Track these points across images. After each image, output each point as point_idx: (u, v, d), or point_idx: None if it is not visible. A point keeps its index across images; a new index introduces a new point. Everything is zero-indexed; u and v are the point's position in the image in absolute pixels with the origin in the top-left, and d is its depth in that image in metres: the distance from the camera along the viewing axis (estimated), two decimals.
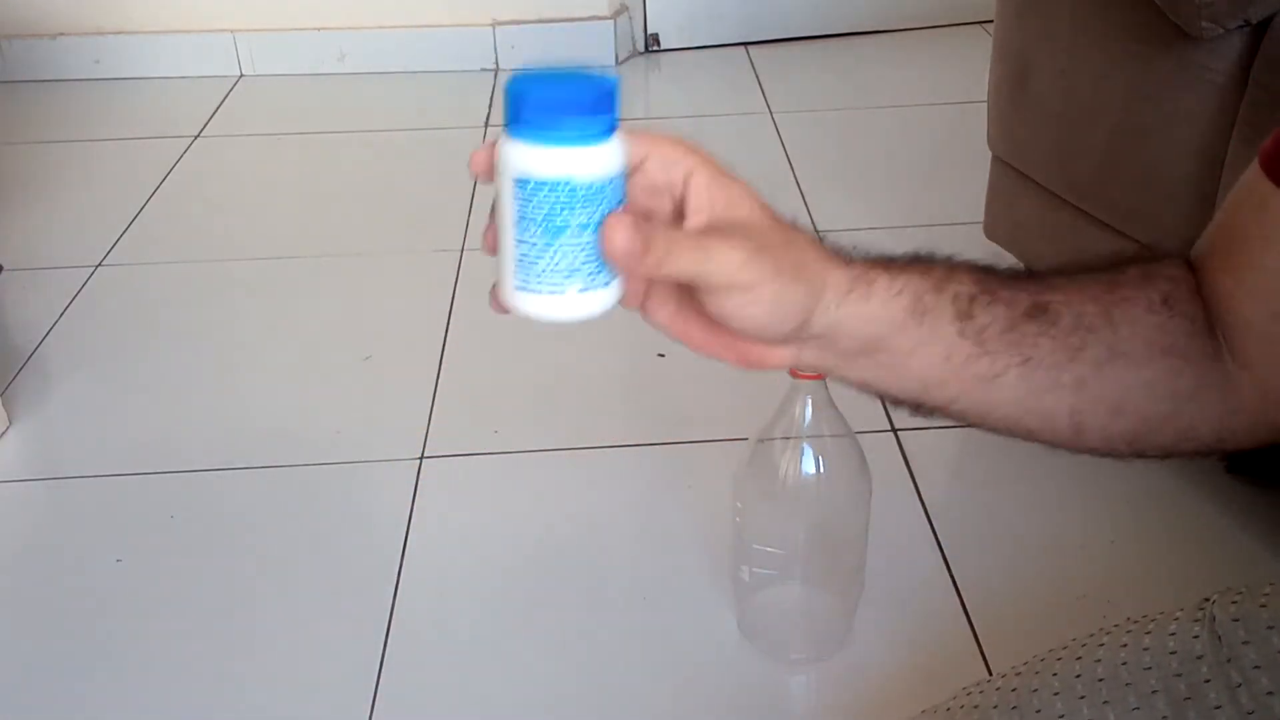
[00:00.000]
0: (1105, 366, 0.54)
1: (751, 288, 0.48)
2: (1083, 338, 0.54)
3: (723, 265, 0.47)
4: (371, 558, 1.21)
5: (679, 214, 0.50)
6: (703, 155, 0.50)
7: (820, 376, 0.95)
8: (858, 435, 1.00)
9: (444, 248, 1.77)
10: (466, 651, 1.10)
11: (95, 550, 1.24)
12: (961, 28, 2.62)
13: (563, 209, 0.46)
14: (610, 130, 0.46)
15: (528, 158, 0.45)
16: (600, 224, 0.46)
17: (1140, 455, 0.58)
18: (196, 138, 2.25)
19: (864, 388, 0.55)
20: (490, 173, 0.47)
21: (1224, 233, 0.57)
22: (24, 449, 1.41)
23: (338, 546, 1.23)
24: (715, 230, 0.48)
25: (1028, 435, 0.57)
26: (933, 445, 1.35)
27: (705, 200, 0.49)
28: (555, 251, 0.46)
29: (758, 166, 1.99)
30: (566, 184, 0.45)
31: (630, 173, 0.48)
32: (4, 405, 1.43)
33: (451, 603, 1.16)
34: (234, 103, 2.43)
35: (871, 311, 0.52)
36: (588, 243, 0.46)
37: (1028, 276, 0.55)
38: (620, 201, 0.47)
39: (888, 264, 0.52)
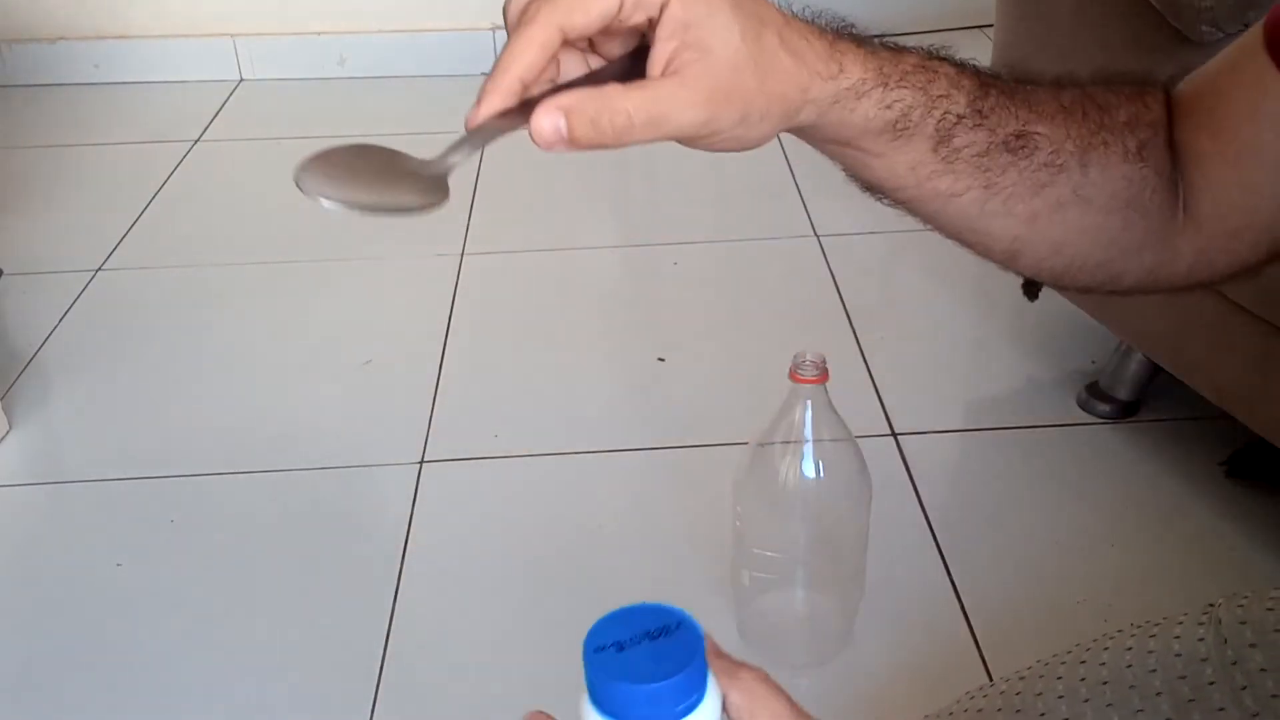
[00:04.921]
0: (1063, 208, 0.55)
1: (715, 134, 0.46)
2: (1051, 175, 0.54)
3: (679, 123, 0.45)
4: (372, 562, 1.21)
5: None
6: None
7: (821, 381, 0.95)
8: (858, 439, 1.00)
9: (444, 252, 1.77)
10: (466, 655, 1.10)
11: (95, 554, 1.24)
12: (961, 32, 2.62)
13: None
14: (700, 698, 0.41)
15: None
16: None
17: (1054, 285, 0.58)
18: (197, 142, 2.26)
19: (826, 154, 0.54)
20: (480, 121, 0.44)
21: (1213, 91, 0.57)
22: (24, 453, 1.41)
23: (338, 550, 1.23)
24: (669, 75, 0.45)
25: (961, 243, 0.58)
26: (933, 449, 1.35)
27: (677, 27, 0.45)
28: None
29: (757, 170, 1.99)
30: None
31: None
32: (4, 409, 1.43)
33: (451, 607, 1.16)
34: (234, 107, 2.43)
35: (851, 121, 0.50)
36: None
37: (1024, 95, 0.54)
38: None
39: (888, 73, 0.50)
